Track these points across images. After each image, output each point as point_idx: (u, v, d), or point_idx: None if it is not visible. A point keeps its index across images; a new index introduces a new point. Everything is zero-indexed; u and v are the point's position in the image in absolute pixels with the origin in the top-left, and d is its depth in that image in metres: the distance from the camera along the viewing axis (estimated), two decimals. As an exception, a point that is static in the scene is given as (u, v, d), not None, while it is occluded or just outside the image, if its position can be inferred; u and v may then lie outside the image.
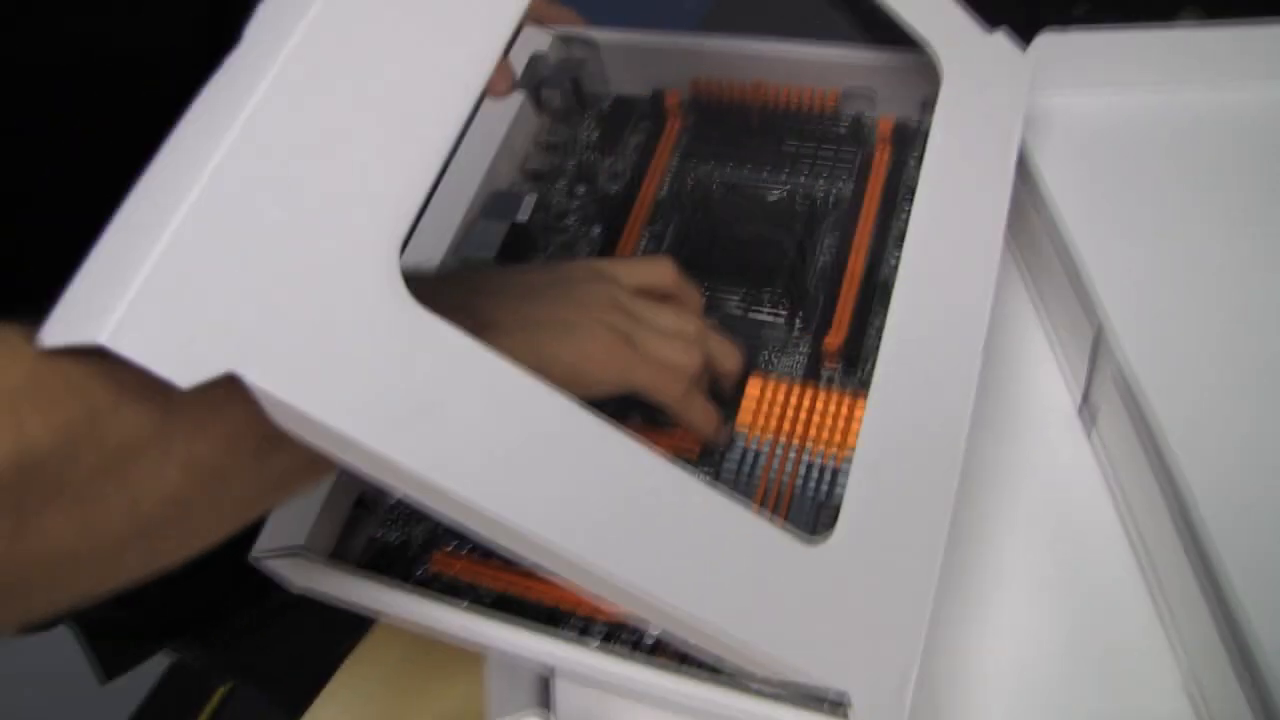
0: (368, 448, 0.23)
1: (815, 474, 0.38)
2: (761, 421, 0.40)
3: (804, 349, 0.42)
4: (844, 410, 0.39)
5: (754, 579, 0.28)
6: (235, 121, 0.23)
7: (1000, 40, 0.43)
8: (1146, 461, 0.38)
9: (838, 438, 0.39)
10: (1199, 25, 0.47)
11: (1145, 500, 0.39)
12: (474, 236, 0.47)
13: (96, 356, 0.21)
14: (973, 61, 0.42)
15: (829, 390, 0.40)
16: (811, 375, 0.41)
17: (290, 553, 0.37)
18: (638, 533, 0.26)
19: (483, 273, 0.37)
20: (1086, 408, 0.44)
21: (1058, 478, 0.43)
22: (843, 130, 0.49)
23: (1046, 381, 0.45)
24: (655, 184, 0.49)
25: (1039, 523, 0.42)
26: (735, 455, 0.39)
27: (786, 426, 0.39)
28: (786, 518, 0.37)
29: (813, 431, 0.39)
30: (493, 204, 0.48)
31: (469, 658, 0.40)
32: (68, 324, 0.22)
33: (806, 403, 0.40)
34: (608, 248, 0.47)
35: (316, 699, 0.43)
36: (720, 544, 0.28)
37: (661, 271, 0.39)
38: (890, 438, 0.33)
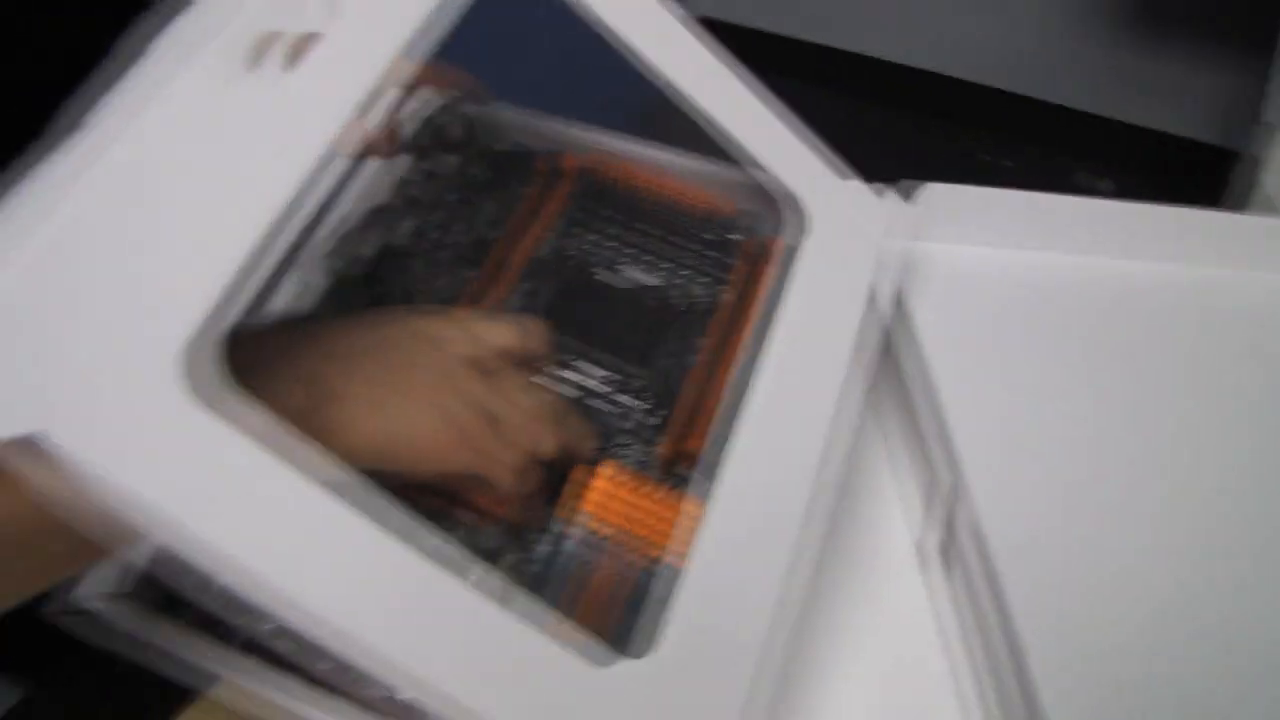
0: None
1: (660, 573, 0.38)
2: (609, 509, 0.40)
3: (659, 445, 0.43)
4: (694, 515, 0.40)
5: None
6: (66, 199, 0.25)
7: (857, 186, 0.45)
8: (985, 608, 0.39)
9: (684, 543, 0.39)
10: (1089, 199, 0.50)
11: (981, 645, 0.40)
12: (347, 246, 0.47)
13: None
14: (833, 205, 0.44)
15: (682, 491, 0.41)
16: (666, 475, 0.42)
17: (114, 598, 0.37)
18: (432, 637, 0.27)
19: (332, 328, 0.35)
20: (927, 550, 0.45)
21: (895, 617, 0.44)
22: (734, 238, 0.50)
23: (889, 521, 0.47)
24: (535, 240, 0.49)
25: (871, 660, 0.42)
26: (579, 538, 0.39)
27: (633, 519, 0.40)
28: (621, 611, 0.37)
29: (657, 530, 0.39)
30: (371, 218, 0.48)
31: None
32: None
33: (659, 500, 0.40)
34: (477, 296, 0.47)
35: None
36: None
37: (511, 336, 0.38)
38: (718, 557, 0.34)
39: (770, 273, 0.48)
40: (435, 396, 0.34)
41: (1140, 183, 0.51)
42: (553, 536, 0.39)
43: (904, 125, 0.46)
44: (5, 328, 0.24)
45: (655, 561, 0.38)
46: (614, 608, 0.38)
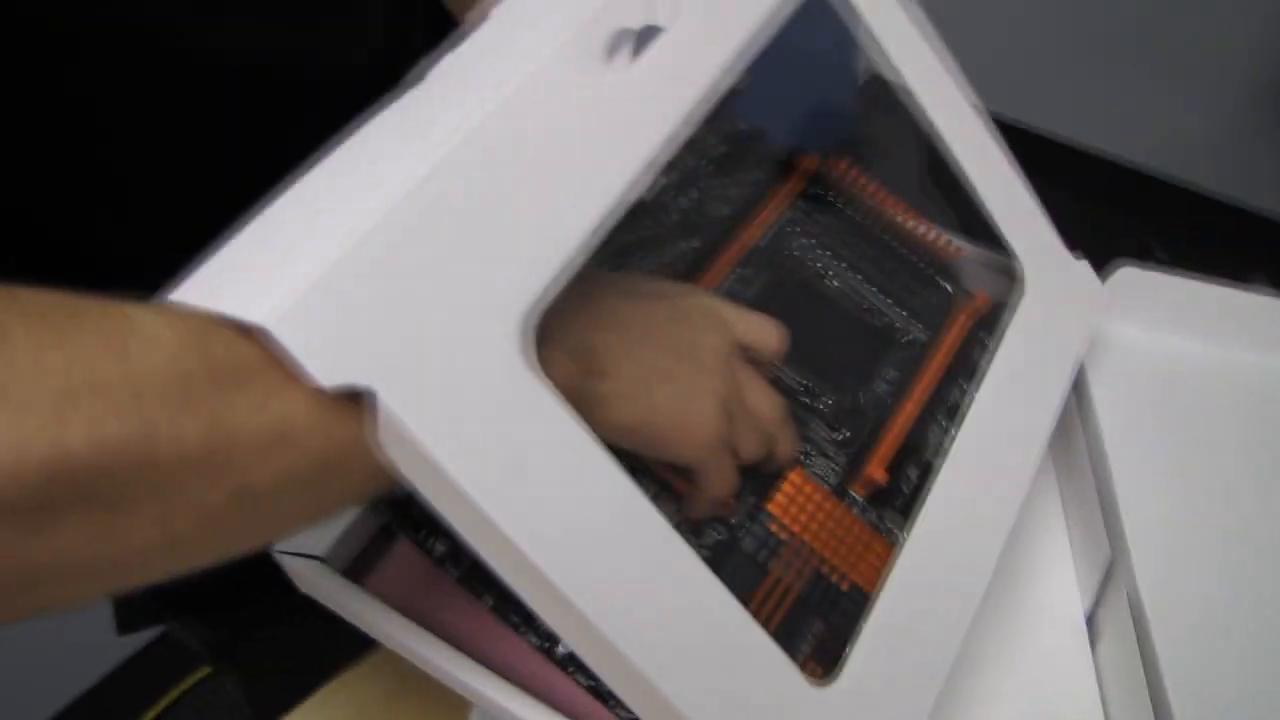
0: (468, 496, 0.24)
1: (821, 589, 0.38)
2: (791, 515, 0.40)
3: (839, 464, 0.42)
4: (862, 540, 0.40)
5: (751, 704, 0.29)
6: (427, 159, 0.25)
7: (1082, 267, 0.46)
8: (1143, 689, 0.39)
9: (848, 565, 0.39)
10: (1272, 293, 0.50)
11: None
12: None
13: (168, 358, 0.21)
14: (1053, 280, 0.44)
15: (853, 513, 0.41)
16: (840, 493, 0.42)
17: (308, 557, 0.37)
18: (665, 630, 0.27)
19: (601, 293, 0.34)
20: (1094, 622, 0.45)
21: (1054, 684, 0.43)
22: (945, 285, 0.49)
23: (1059, 588, 0.46)
24: (759, 228, 0.48)
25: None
26: (758, 536, 0.39)
27: (810, 530, 0.39)
28: (781, 621, 0.37)
29: (829, 547, 0.39)
30: None
31: (455, 703, 0.39)
32: (212, 292, 0.23)
33: (835, 517, 0.40)
34: (694, 267, 0.46)
35: (293, 710, 0.43)
36: (730, 661, 0.29)
37: (772, 339, 0.38)
38: (907, 604, 0.34)
39: (968, 326, 0.48)
40: (701, 386, 0.34)
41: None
42: (729, 529, 0.39)
43: (1074, 208, 0.46)
44: (355, 276, 0.23)
45: (827, 577, 0.39)
46: (788, 611, 0.38)
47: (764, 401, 0.37)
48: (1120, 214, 0.63)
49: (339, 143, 0.26)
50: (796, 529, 0.39)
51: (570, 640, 0.27)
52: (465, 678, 0.35)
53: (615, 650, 0.26)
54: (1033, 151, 0.46)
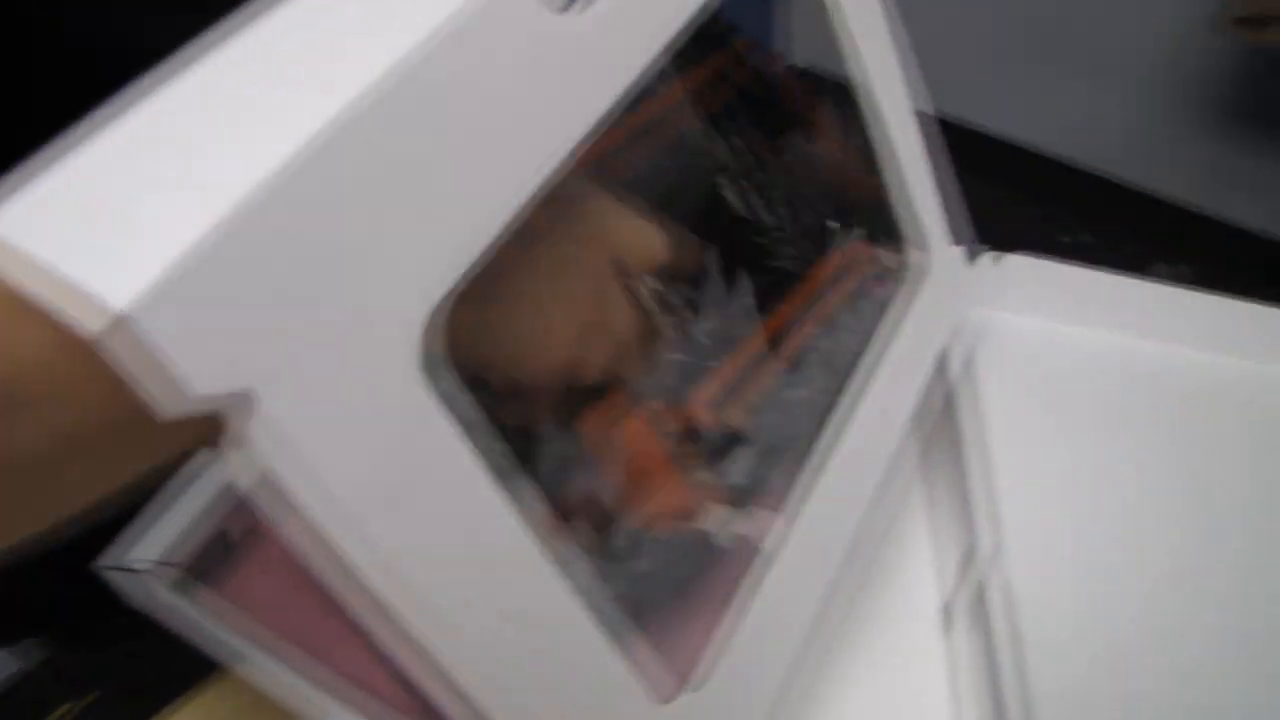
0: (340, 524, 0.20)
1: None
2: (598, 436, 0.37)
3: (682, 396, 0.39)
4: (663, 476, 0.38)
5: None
6: (329, 102, 0.19)
7: (955, 253, 0.45)
8: (1006, 671, 0.39)
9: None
10: (1170, 285, 0.50)
11: (993, 708, 0.40)
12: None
13: None
14: (929, 265, 0.43)
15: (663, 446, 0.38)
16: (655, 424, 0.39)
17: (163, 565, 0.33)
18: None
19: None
20: (955, 611, 0.45)
21: (911, 674, 0.43)
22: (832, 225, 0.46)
23: (920, 578, 0.46)
24: (666, 105, 0.42)
25: (883, 713, 0.42)
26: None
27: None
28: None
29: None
30: None
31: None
32: (40, 240, 0.17)
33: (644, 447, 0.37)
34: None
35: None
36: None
37: (654, 252, 0.36)
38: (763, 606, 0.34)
39: (839, 270, 0.45)
40: (562, 310, 0.32)
41: (1218, 276, 0.51)
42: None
43: (985, 195, 0.45)
44: (234, 252, 0.18)
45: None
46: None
47: (624, 324, 0.35)
48: (1031, 202, 0.63)
49: (209, 43, 0.20)
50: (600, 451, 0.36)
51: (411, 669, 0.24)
52: (313, 693, 0.32)
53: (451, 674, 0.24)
54: (959, 143, 0.44)
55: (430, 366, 0.22)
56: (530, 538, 0.25)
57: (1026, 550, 0.42)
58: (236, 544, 0.36)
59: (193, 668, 0.40)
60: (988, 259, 0.47)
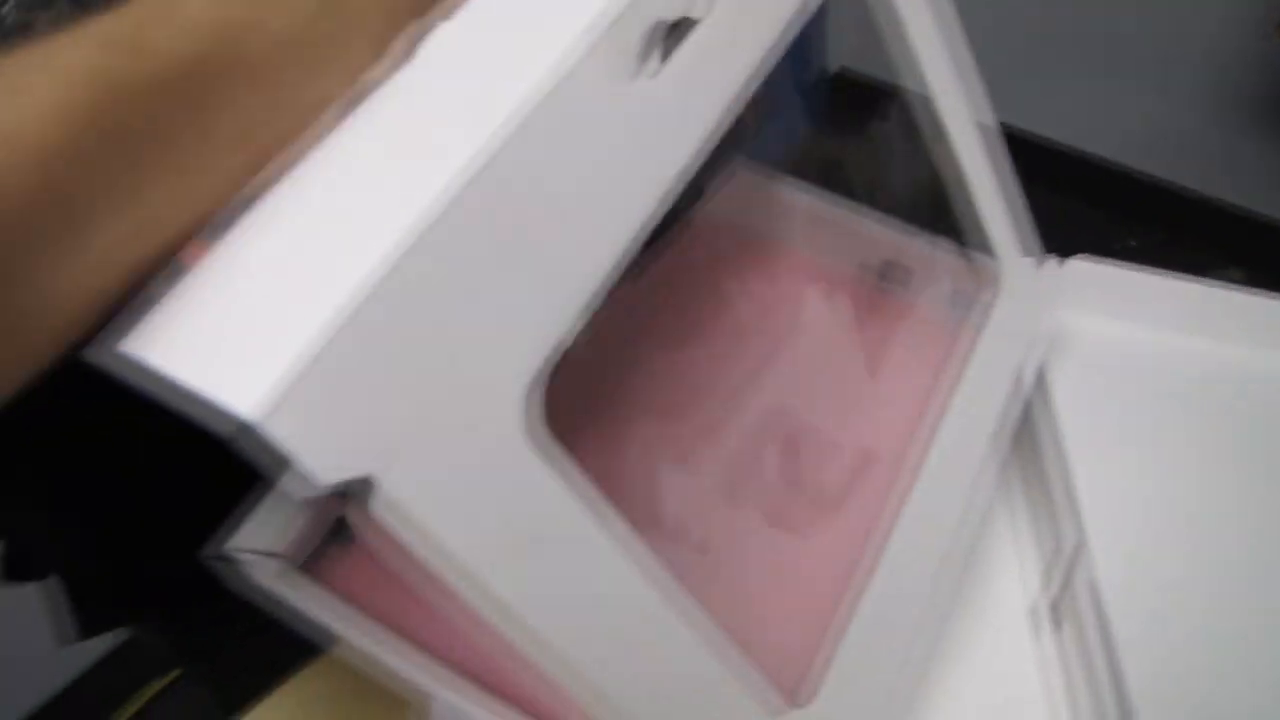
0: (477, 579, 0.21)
1: None
2: None
3: None
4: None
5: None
6: (428, 196, 0.20)
7: (1031, 263, 0.45)
8: (1104, 679, 0.39)
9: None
10: (1232, 287, 0.49)
11: (1091, 708, 0.40)
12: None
13: None
14: (1020, 278, 0.43)
15: None
16: None
17: (265, 555, 0.35)
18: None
19: None
20: (1042, 614, 0.45)
21: (1009, 675, 0.43)
22: None
23: (1017, 580, 0.46)
24: None
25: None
26: None
27: None
28: None
29: None
30: None
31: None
32: (177, 355, 0.18)
33: None
34: None
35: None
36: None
37: None
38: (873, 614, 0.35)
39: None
40: None
41: (1275, 281, 0.50)
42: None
43: (1037, 201, 0.45)
44: (348, 352, 0.18)
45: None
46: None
47: None
48: (1091, 209, 0.62)
49: (307, 145, 0.21)
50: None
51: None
52: (419, 676, 0.33)
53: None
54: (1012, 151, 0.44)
55: (533, 431, 0.22)
56: (635, 571, 0.26)
57: (1110, 551, 0.42)
58: (340, 532, 0.37)
59: (291, 649, 0.42)
60: (1054, 264, 0.46)
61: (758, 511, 0.40)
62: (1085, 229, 0.51)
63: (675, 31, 0.24)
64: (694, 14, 0.24)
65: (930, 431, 0.40)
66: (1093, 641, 0.40)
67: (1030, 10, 0.78)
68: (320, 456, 0.18)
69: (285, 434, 0.17)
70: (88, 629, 0.47)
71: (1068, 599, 0.43)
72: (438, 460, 0.20)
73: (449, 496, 0.21)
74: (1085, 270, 0.49)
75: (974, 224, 0.41)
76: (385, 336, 0.19)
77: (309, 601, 0.34)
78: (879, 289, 0.48)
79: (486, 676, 0.34)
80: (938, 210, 0.42)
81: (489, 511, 0.22)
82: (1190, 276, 0.49)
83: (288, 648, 0.41)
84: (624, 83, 0.23)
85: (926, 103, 0.36)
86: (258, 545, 0.34)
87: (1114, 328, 0.50)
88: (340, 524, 0.38)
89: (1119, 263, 0.49)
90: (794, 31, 0.27)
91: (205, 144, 0.19)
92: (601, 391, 0.42)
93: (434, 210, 0.20)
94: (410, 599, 0.35)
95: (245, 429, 0.17)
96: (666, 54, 0.24)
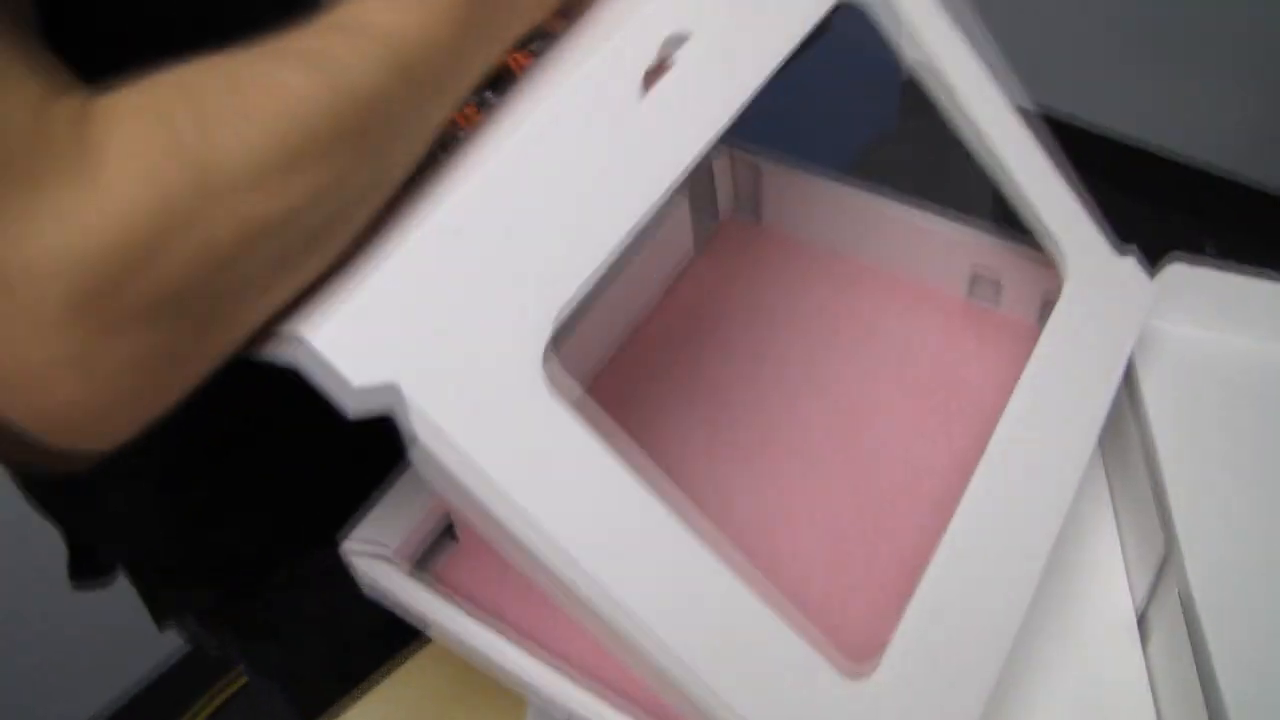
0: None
1: None
2: None
3: None
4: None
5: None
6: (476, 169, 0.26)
7: (1130, 264, 0.45)
8: (1196, 689, 0.38)
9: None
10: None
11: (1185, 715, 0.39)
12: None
13: None
14: (1098, 277, 0.44)
15: None
16: None
17: (378, 554, 0.39)
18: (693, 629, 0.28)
19: None
20: (1145, 621, 0.44)
21: (1104, 683, 0.43)
22: None
23: (1110, 587, 0.46)
24: None
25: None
26: None
27: None
28: None
29: None
30: None
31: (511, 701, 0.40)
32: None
33: None
34: None
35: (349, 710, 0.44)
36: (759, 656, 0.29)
37: None
38: (951, 598, 0.35)
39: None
40: None
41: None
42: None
43: (1123, 203, 0.46)
44: (391, 293, 0.25)
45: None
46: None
47: None
48: (1173, 210, 0.62)
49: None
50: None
51: (605, 641, 0.28)
52: (518, 671, 0.36)
53: (650, 650, 0.27)
54: (1084, 148, 0.45)
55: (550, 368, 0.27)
56: (663, 508, 0.29)
57: (1202, 562, 0.41)
58: (449, 530, 0.42)
59: (363, 658, 0.45)
60: (1138, 265, 0.47)
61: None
62: (1172, 231, 0.51)
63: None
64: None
65: (1009, 429, 0.40)
66: (1185, 655, 0.40)
67: (1114, 6, 0.77)
68: (352, 362, 0.23)
69: (323, 344, 0.23)
70: (161, 615, 0.52)
71: (1156, 610, 0.43)
72: (465, 381, 0.26)
73: (471, 413, 0.25)
74: (1178, 273, 0.49)
75: (1043, 223, 0.42)
76: (412, 281, 0.25)
77: (418, 598, 0.38)
78: (967, 302, 0.50)
79: (593, 673, 0.37)
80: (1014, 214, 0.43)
81: (507, 429, 0.26)
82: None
83: (360, 656, 0.45)
84: (629, 104, 0.29)
85: (957, 91, 0.39)
86: (374, 541, 0.39)
87: (1207, 332, 0.50)
88: (450, 526, 0.43)
89: (1213, 264, 0.49)
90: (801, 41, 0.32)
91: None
92: (694, 393, 0.47)
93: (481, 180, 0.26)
94: (516, 595, 0.39)
95: (298, 342, 0.23)
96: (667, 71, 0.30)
